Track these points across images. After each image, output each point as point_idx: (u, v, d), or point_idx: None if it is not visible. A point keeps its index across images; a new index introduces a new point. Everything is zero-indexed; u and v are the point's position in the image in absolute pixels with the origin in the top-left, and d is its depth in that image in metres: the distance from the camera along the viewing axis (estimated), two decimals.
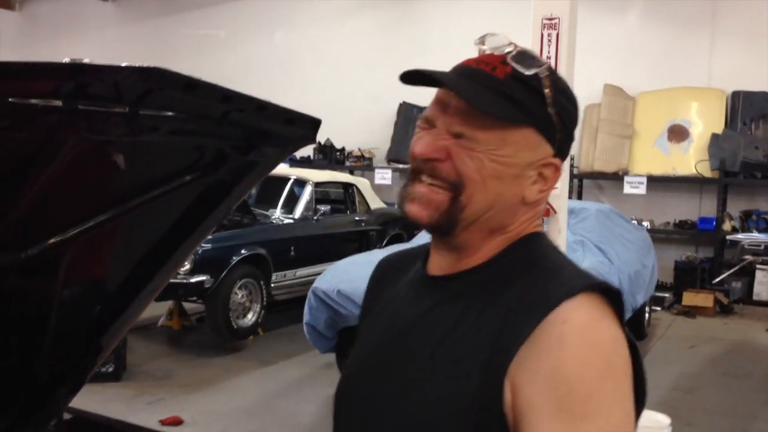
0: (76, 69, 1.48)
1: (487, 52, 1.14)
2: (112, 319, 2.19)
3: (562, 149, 1.15)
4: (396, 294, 1.27)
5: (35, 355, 2.07)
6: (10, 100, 1.40)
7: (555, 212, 4.17)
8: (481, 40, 1.16)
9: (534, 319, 1.01)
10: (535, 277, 1.09)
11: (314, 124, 2.05)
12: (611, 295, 1.05)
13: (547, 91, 1.11)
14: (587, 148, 9.76)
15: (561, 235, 4.24)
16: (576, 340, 0.99)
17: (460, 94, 1.11)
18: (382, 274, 1.38)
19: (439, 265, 1.19)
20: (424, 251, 1.27)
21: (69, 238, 1.81)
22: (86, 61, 1.51)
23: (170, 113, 1.75)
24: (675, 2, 9.69)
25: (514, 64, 1.10)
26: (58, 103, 1.45)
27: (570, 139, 1.17)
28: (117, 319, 2.21)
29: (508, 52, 1.12)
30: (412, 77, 1.21)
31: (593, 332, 1.00)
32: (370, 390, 1.18)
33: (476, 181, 1.10)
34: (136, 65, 1.54)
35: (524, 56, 1.11)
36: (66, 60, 1.47)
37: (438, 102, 1.19)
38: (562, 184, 4.27)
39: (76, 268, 1.96)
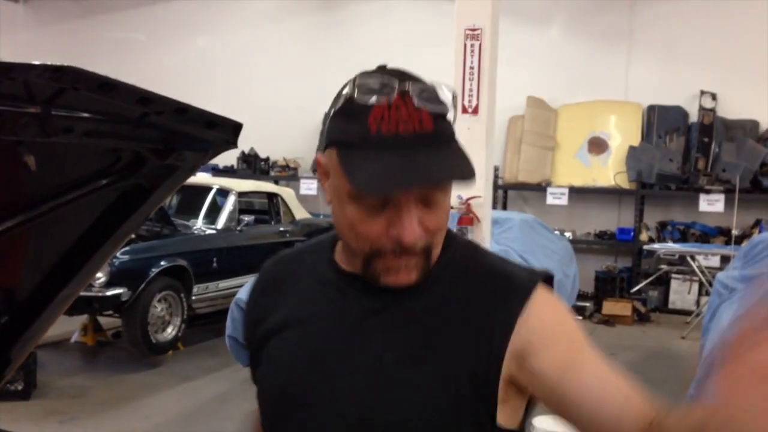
0: None
1: (374, 102, 1.09)
2: (21, 329, 2.07)
3: None
4: (310, 297, 1.25)
5: None
6: None
7: (479, 221, 4.20)
8: (363, 91, 1.11)
9: (518, 307, 1.14)
10: (487, 275, 1.20)
11: (235, 128, 1.99)
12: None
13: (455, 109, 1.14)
14: (511, 160, 9.92)
15: (485, 243, 4.26)
16: (555, 309, 1.19)
17: (455, 179, 1.10)
18: (270, 279, 1.35)
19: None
20: (310, 249, 1.33)
21: None
22: None
23: (85, 114, 1.67)
24: (594, 17, 9.97)
25: (428, 108, 1.09)
26: None
27: None
28: (27, 330, 2.09)
29: (401, 92, 1.09)
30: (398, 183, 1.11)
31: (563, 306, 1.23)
32: (335, 395, 1.16)
33: (442, 232, 1.17)
34: (49, 63, 1.46)
35: (426, 93, 1.10)
36: None
37: None
38: (486, 193, 4.31)
39: None
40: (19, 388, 5.25)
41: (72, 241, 2.03)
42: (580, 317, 8.67)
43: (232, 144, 2.04)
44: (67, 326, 6.81)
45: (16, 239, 1.84)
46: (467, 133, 4.31)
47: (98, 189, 1.93)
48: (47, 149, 1.68)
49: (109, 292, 6.00)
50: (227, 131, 1.98)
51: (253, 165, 11.23)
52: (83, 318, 6.82)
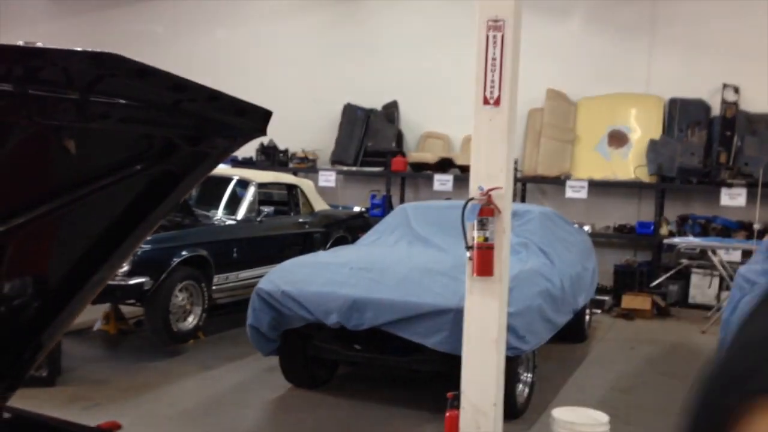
0: (28, 52, 1.41)
1: None
2: (53, 314, 2.10)
3: None
4: None
5: None
6: None
7: (500, 212, 4.19)
8: None
9: None
10: None
11: (265, 116, 2.01)
12: None
13: None
14: (530, 152, 9.90)
15: (505, 235, 4.26)
16: None
17: None
18: None
19: None
20: None
21: (13, 228, 1.72)
22: (39, 44, 1.45)
23: (122, 100, 1.69)
24: (615, 10, 9.91)
25: None
26: (8, 86, 1.37)
27: None
28: (58, 315, 2.12)
29: None
30: None
31: None
32: None
33: None
34: (89, 50, 1.47)
35: None
36: (20, 43, 1.40)
37: None
38: (507, 185, 4.30)
39: (18, 260, 1.87)
40: (44, 374, 5.33)
41: (104, 227, 2.05)
42: (600, 311, 8.66)
43: (262, 132, 2.06)
44: (89, 314, 6.89)
45: (53, 224, 1.86)
46: (489, 124, 4.31)
47: (131, 175, 1.95)
48: (84, 135, 1.70)
49: (132, 281, 6.06)
50: (257, 119, 2.00)
51: (272, 157, 11.27)
52: (105, 306, 6.90)
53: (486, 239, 4.09)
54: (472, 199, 4.22)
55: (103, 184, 1.90)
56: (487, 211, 4.14)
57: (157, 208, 2.09)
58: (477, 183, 4.25)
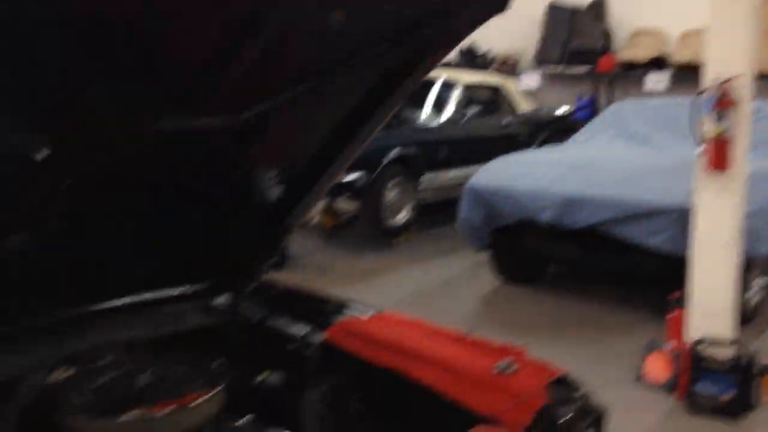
0: None
1: None
2: (297, 199, 2.21)
3: None
4: None
5: (240, 219, 2.14)
6: None
7: (738, 103, 3.87)
8: None
9: None
10: None
11: None
12: None
13: None
14: (763, 47, 8.96)
15: (744, 128, 3.94)
16: None
17: None
18: None
19: None
20: None
21: (278, 104, 1.82)
22: None
23: None
24: None
25: None
26: None
27: None
28: (301, 200, 2.23)
29: None
30: None
31: None
32: None
33: None
34: None
35: None
36: None
37: None
38: (747, 73, 3.94)
39: (279, 135, 1.98)
40: (276, 259, 5.76)
41: (353, 105, 2.09)
42: None
43: (504, 6, 1.98)
44: None
45: (311, 100, 1.93)
46: (726, 7, 3.95)
47: (379, 54, 1.95)
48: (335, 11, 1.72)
49: (347, 178, 6.32)
50: None
51: (472, 60, 11.09)
52: (322, 201, 7.25)
53: (722, 132, 3.80)
54: (704, 90, 3.92)
55: (353, 64, 1.92)
56: (723, 103, 3.84)
57: (401, 85, 2.09)
58: (712, 72, 3.93)
